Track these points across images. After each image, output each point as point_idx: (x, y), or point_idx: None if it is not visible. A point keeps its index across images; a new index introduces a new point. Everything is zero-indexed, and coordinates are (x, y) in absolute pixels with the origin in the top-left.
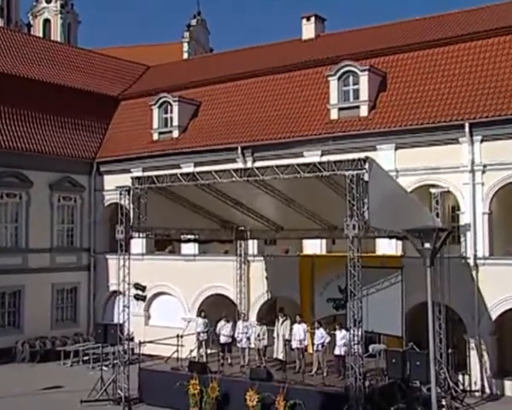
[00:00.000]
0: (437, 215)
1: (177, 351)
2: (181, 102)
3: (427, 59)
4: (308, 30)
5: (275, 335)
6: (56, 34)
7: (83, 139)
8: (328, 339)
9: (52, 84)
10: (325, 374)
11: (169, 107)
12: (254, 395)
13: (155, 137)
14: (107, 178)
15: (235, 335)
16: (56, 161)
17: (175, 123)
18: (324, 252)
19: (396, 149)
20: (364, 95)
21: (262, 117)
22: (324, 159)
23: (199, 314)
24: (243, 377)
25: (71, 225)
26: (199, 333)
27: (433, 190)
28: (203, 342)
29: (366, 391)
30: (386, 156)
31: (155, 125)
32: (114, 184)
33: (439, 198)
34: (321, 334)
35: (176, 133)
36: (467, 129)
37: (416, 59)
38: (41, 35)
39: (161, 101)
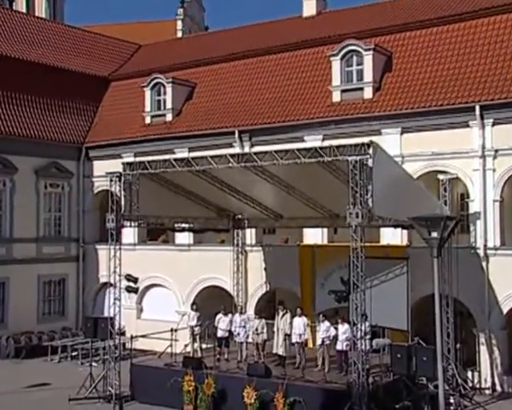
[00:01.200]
0: (445, 203)
1: (171, 346)
2: (175, 84)
3: (435, 37)
4: (309, 6)
5: (274, 329)
6: (41, 10)
7: (71, 123)
8: (333, 332)
9: (37, 64)
10: (326, 370)
11: (162, 88)
12: (252, 391)
13: (148, 120)
14: (96, 163)
15: (232, 329)
16: (42, 146)
17: (168, 106)
18: (326, 242)
19: (402, 133)
20: (369, 76)
21: (260, 99)
22: (326, 143)
23: (191, 307)
24: (240, 373)
25: (58, 213)
26: (192, 327)
27: (440, 177)
28: (197, 337)
29: (369, 388)
30: (391, 141)
31: (148, 107)
32: (104, 170)
33: (447, 185)
34: (326, 327)
35: (169, 116)
36: (477, 112)
37: (423, 37)
38: (24, 10)
39: (154, 82)
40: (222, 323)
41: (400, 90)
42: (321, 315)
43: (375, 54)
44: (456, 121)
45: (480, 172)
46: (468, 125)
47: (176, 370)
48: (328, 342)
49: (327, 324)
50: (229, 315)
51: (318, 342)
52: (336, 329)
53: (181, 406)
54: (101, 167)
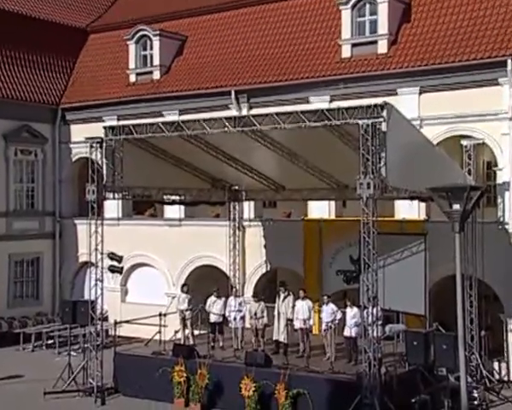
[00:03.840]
0: (469, 172)
1: (160, 332)
2: (163, 37)
3: None
4: None
5: (275, 313)
6: None
7: (44, 80)
8: (339, 315)
9: (5, 13)
10: (333, 359)
11: (148, 42)
12: (250, 383)
13: (132, 78)
14: (74, 127)
15: (226, 313)
16: (12, 107)
17: (156, 62)
18: (333, 216)
19: (420, 92)
20: (383, 27)
21: (260, 55)
22: (334, 105)
23: (181, 289)
24: (237, 362)
25: (31, 184)
26: (182, 311)
27: (464, 143)
28: (188, 322)
29: (382, 379)
30: (408, 102)
31: (132, 64)
32: (83, 134)
33: (471, 152)
34: (331, 310)
35: (157, 74)
36: (509, 67)
37: None
38: None
39: (139, 35)
40: (215, 307)
41: (419, 44)
42: (325, 297)
43: (392, 2)
44: (483, 79)
45: (510, 136)
46: (497, 83)
47: (165, 359)
48: (333, 326)
49: (332, 306)
50: (223, 298)
51: (323, 327)
52: (343, 313)
53: (171, 399)
54: (79, 132)
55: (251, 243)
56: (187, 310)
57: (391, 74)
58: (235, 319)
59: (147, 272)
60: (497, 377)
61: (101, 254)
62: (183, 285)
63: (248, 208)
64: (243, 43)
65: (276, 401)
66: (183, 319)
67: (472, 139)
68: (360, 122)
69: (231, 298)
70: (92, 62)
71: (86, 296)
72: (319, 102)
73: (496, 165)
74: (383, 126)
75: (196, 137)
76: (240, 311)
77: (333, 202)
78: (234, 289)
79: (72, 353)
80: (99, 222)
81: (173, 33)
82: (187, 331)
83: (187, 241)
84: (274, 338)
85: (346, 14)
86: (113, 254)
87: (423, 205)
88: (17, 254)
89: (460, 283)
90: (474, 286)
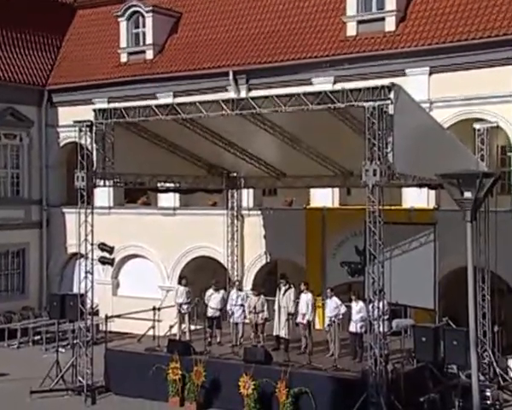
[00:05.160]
0: (482, 158)
1: (154, 327)
2: (156, 13)
3: None
4: None
5: (275, 307)
6: None
7: (29, 60)
8: (343, 310)
9: None
10: (337, 355)
11: (141, 19)
12: (249, 380)
13: (123, 58)
14: (62, 110)
15: (228, 307)
16: None
17: (149, 40)
18: (337, 204)
19: (430, 73)
20: (391, 3)
21: (260, 33)
22: (338, 87)
23: (179, 281)
24: (236, 358)
25: (16, 170)
26: (180, 305)
27: (477, 126)
28: (186, 316)
29: (389, 377)
30: (417, 83)
31: (123, 42)
32: (72, 118)
33: (484, 136)
34: (335, 304)
35: (150, 54)
36: None
37: None
38: None
39: (131, 11)
40: (213, 300)
41: (430, 21)
42: (328, 290)
43: None
44: (497, 58)
45: None
46: None
47: (159, 356)
48: (337, 321)
49: (336, 300)
50: (222, 291)
51: (326, 322)
52: (348, 307)
53: (165, 398)
54: (67, 115)
55: (250, 232)
56: (185, 304)
57: (399, 54)
58: (233, 313)
59: (139, 263)
60: (511, 375)
61: (92, 244)
62: (182, 278)
63: (247, 196)
64: (242, 20)
65: (277, 400)
66: (181, 313)
67: (485, 122)
68: (366, 105)
69: (233, 291)
70: (80, 40)
71: (75, 290)
72: (322, 83)
73: (511, 150)
74: (390, 109)
75: (192, 120)
76: (242, 305)
77: (337, 190)
78: (236, 282)
79: (61, 349)
80: (89, 211)
81: (167, 10)
82: (184, 326)
83: (182, 231)
84: (274, 334)
85: None
86: (103, 244)
87: (433, 193)
88: (1, 245)
89: (472, 275)
90: (487, 279)
